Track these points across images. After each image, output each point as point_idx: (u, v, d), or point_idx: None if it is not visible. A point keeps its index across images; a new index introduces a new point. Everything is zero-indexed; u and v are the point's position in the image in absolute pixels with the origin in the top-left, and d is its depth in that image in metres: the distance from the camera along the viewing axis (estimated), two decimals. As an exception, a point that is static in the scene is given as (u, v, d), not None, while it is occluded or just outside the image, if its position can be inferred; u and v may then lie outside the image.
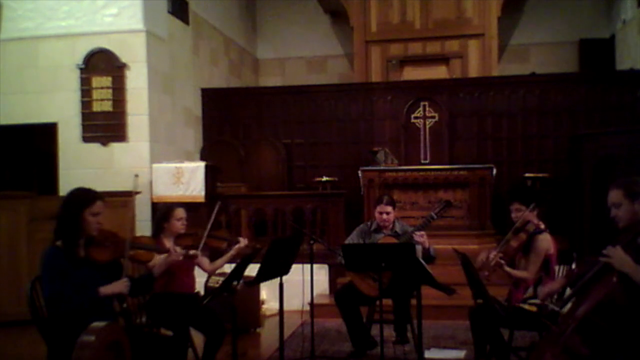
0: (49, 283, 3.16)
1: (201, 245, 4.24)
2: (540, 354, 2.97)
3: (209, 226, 4.33)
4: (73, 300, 3.15)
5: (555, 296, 3.45)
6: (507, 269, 4.05)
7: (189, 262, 4.29)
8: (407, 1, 9.98)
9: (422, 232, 4.70)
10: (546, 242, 4.07)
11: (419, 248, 4.52)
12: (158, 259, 3.83)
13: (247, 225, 7.35)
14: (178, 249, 3.93)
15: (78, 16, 7.39)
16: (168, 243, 4.16)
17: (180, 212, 4.28)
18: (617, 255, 2.79)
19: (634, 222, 2.93)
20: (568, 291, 3.16)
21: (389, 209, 4.95)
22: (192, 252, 4.12)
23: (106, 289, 3.24)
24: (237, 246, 4.41)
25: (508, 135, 8.65)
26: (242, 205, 7.40)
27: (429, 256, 4.71)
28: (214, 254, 4.69)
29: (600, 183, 6.68)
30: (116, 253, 3.38)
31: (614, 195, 3.02)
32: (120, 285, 3.27)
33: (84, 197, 3.33)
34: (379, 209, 4.98)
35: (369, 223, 5.18)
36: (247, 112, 9.35)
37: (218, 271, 4.83)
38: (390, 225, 5.00)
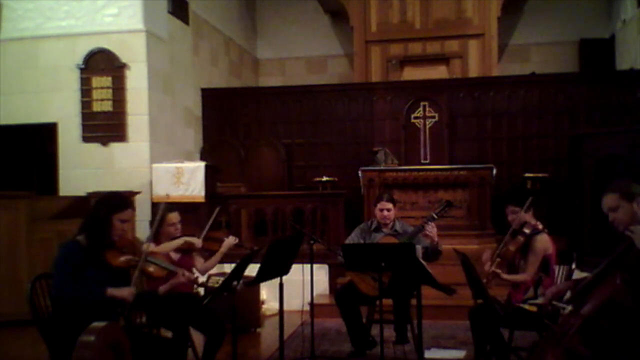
0: (61, 272, 3.22)
1: (202, 235, 4.34)
2: (541, 354, 2.95)
3: (205, 229, 4.40)
4: (80, 293, 3.20)
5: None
6: (505, 276, 4.04)
7: (189, 262, 4.32)
8: (407, 1, 9.98)
9: (433, 225, 4.70)
10: (544, 242, 4.06)
11: (418, 248, 4.52)
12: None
13: (247, 225, 7.35)
14: (187, 273, 3.95)
15: (78, 16, 7.40)
16: (172, 254, 4.25)
17: (173, 218, 4.28)
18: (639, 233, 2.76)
19: (635, 223, 2.88)
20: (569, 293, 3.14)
21: (390, 205, 4.96)
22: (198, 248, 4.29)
23: (113, 291, 3.29)
24: (225, 242, 4.41)
25: (508, 135, 8.66)
26: (242, 205, 7.40)
27: (436, 250, 4.74)
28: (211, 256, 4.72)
29: (600, 183, 6.66)
30: (131, 261, 3.41)
31: (610, 200, 2.98)
32: (126, 292, 3.31)
33: (117, 201, 3.43)
34: (379, 205, 4.98)
35: (369, 222, 5.18)
36: (247, 112, 9.36)
37: (218, 271, 4.83)
38: (391, 223, 5.01)
